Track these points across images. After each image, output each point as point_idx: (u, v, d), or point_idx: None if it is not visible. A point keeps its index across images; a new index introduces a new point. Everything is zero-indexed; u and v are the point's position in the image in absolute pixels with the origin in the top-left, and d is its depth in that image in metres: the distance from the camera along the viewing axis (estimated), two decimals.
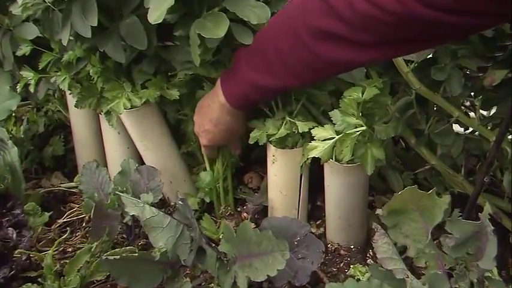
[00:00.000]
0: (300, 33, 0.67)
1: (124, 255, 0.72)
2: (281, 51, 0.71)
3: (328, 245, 0.94)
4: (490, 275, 0.64)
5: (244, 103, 0.81)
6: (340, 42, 0.64)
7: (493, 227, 0.58)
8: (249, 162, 1.21)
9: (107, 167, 1.18)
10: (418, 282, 0.63)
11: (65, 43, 0.92)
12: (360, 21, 0.60)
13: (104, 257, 0.70)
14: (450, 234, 0.62)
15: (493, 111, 0.93)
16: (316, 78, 0.75)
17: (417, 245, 0.67)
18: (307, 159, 0.86)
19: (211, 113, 0.85)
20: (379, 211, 0.69)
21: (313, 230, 1.00)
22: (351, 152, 0.77)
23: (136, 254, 0.71)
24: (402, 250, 0.71)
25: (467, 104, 1.09)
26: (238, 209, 1.07)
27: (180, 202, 0.74)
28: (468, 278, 0.62)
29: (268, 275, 0.68)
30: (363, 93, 0.76)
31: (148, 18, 0.68)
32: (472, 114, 1.04)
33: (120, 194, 0.76)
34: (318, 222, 1.03)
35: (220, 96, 0.82)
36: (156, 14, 0.66)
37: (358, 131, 0.77)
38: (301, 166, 0.90)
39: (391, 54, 0.71)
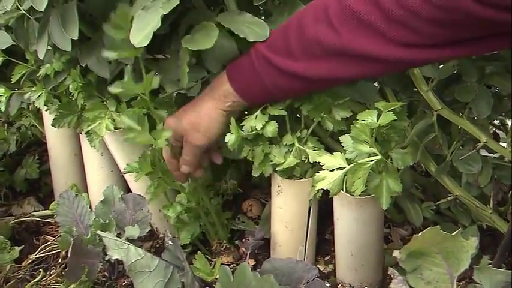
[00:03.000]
0: (329, 12, 0.67)
1: None
2: (303, 30, 0.70)
3: (338, 286, 0.94)
4: None
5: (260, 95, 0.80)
6: (374, 35, 0.64)
7: None
8: (248, 188, 1.21)
9: (87, 192, 1.18)
10: None
11: (41, 56, 0.92)
12: (401, 16, 0.60)
13: None
14: (478, 284, 0.61)
15: None
16: (341, 71, 0.71)
17: None
18: (318, 191, 0.85)
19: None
20: (396, 253, 0.68)
21: (321, 268, 0.99)
22: (364, 184, 0.77)
23: None
24: None
25: (497, 122, 1.09)
26: (236, 242, 1.06)
27: (170, 242, 0.73)
28: None
29: None
30: (377, 118, 0.76)
31: (131, 40, 0.67)
32: (502, 134, 1.04)
33: (101, 233, 0.75)
34: (326, 258, 1.02)
35: (227, 86, 0.80)
36: (140, 37, 0.66)
37: (371, 160, 0.76)
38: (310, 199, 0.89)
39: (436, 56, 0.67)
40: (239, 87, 0.79)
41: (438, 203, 0.95)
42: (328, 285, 0.92)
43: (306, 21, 0.71)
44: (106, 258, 0.88)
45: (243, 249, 1.02)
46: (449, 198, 0.91)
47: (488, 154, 0.96)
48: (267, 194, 1.15)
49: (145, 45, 0.66)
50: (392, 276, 0.67)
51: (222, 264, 0.91)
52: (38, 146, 1.41)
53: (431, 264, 0.67)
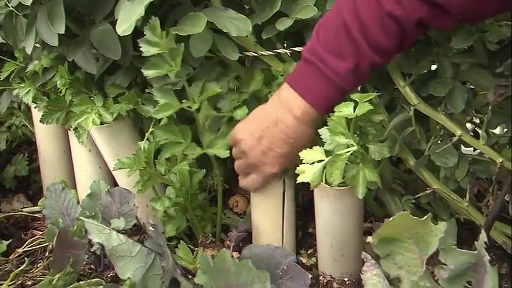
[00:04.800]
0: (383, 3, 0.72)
1: None
2: (366, 26, 0.74)
3: (320, 277, 0.96)
4: None
5: (332, 101, 0.81)
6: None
7: (489, 258, 0.60)
8: (235, 184, 1.24)
9: (76, 189, 1.21)
10: None
11: (29, 52, 0.95)
12: None
13: None
14: (445, 264, 0.64)
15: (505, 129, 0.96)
16: (399, 51, 0.79)
17: (411, 278, 0.69)
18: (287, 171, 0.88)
19: (284, 133, 0.83)
20: (369, 239, 0.71)
21: (304, 260, 1.02)
22: (342, 174, 0.80)
23: (102, 287, 0.73)
24: (396, 283, 0.73)
25: (477, 121, 1.12)
26: (222, 236, 1.09)
27: (151, 228, 0.76)
28: None
29: None
30: (354, 109, 0.79)
31: (116, 30, 0.71)
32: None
33: (84, 219, 0.78)
34: (309, 251, 1.05)
35: (296, 107, 0.81)
36: (125, 26, 0.69)
37: (349, 152, 0.80)
38: (284, 181, 0.93)
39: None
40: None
41: (417, 196, 0.98)
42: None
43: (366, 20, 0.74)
44: (92, 250, 0.91)
45: (228, 242, 1.04)
46: (427, 192, 0.94)
47: (468, 150, 0.99)
48: None
49: (129, 33, 0.70)
50: (364, 260, 0.70)
51: None
52: (28, 145, 1.43)
53: (403, 250, 0.70)
